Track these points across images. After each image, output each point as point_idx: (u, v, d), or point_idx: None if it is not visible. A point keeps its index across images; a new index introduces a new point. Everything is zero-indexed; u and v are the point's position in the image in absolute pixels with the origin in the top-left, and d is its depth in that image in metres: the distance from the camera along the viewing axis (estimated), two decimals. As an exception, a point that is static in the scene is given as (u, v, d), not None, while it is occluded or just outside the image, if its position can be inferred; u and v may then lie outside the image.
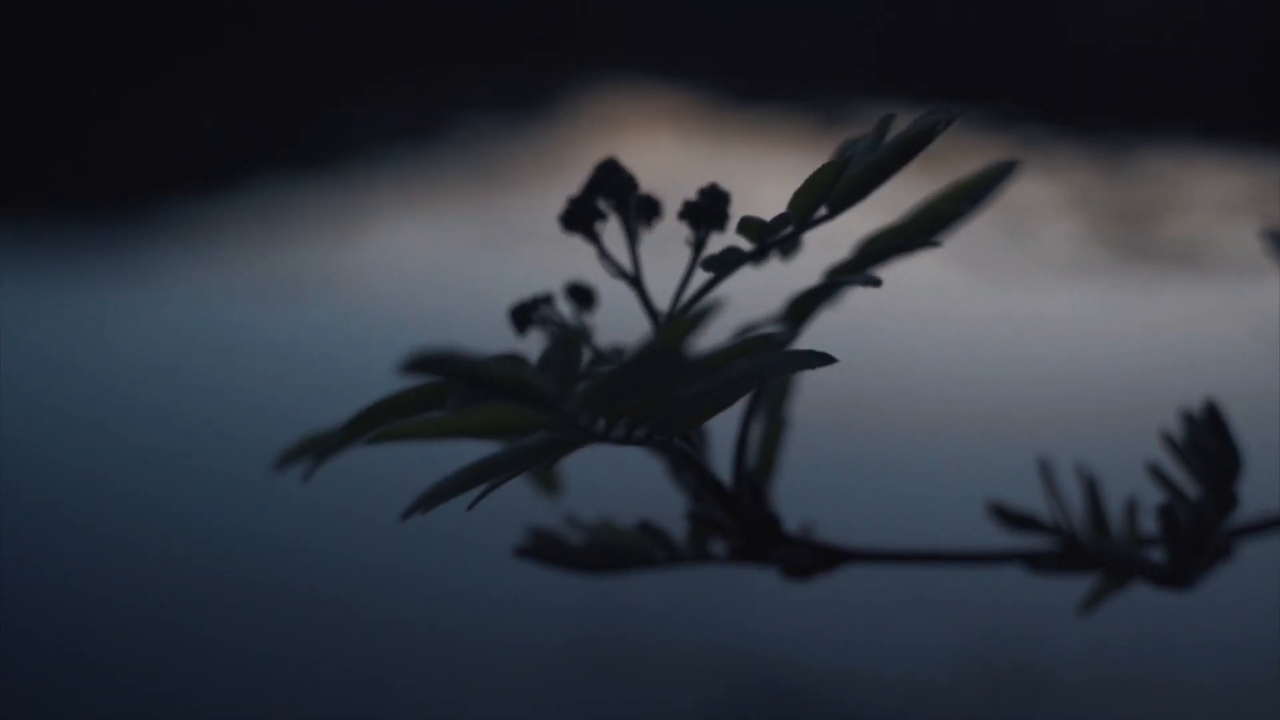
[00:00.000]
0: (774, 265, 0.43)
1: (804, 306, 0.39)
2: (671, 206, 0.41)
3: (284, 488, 0.45)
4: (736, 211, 0.40)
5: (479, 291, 1.60)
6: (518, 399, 0.30)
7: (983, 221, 0.43)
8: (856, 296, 0.44)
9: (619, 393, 0.30)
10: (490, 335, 0.42)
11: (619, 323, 0.41)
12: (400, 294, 1.63)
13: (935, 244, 0.37)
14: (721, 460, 0.40)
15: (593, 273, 0.42)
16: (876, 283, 0.35)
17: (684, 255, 0.39)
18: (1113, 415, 1.13)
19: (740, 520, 0.38)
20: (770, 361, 0.33)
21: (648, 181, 0.38)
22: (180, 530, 1.07)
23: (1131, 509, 0.42)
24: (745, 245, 0.37)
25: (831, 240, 0.47)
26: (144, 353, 1.46)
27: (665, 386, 0.32)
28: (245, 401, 1.30)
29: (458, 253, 1.83)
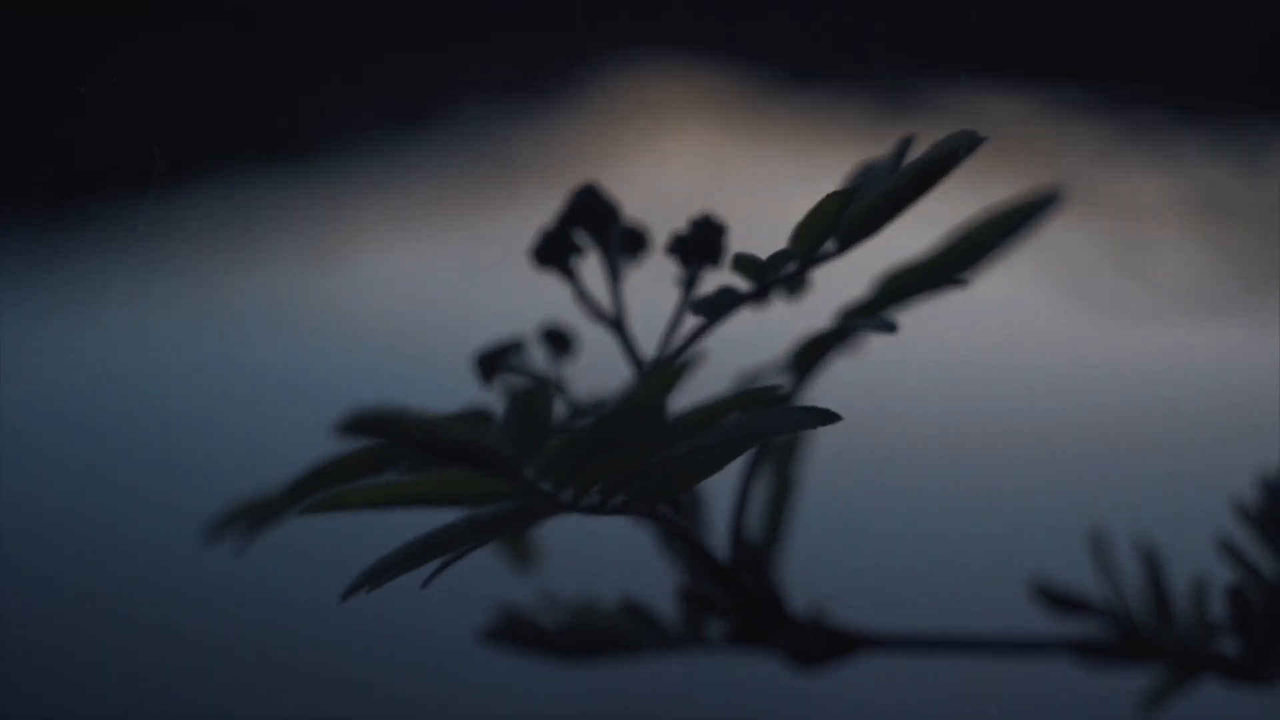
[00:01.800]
0: (784, 305, 0.44)
1: (811, 354, 0.40)
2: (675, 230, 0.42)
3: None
4: (775, 226, 0.41)
5: (475, 317, 1.61)
6: (472, 464, 0.32)
7: (1082, 225, 0.43)
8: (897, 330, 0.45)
9: (589, 456, 0.31)
10: (466, 378, 0.43)
11: (602, 370, 0.42)
12: (381, 320, 1.64)
13: (962, 283, 0.38)
14: (721, 528, 0.41)
15: (574, 312, 0.43)
16: (891, 328, 0.36)
17: (673, 295, 0.41)
18: (1202, 478, 1.12)
19: (739, 598, 0.39)
20: (765, 420, 0.34)
21: (682, 185, 0.40)
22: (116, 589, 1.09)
23: (1198, 590, 0.42)
24: (742, 284, 0.39)
25: (855, 273, 0.49)
26: (82, 382, 1.49)
27: (643, 448, 0.33)
28: (188, 445, 1.31)
29: (450, 270, 1.85)
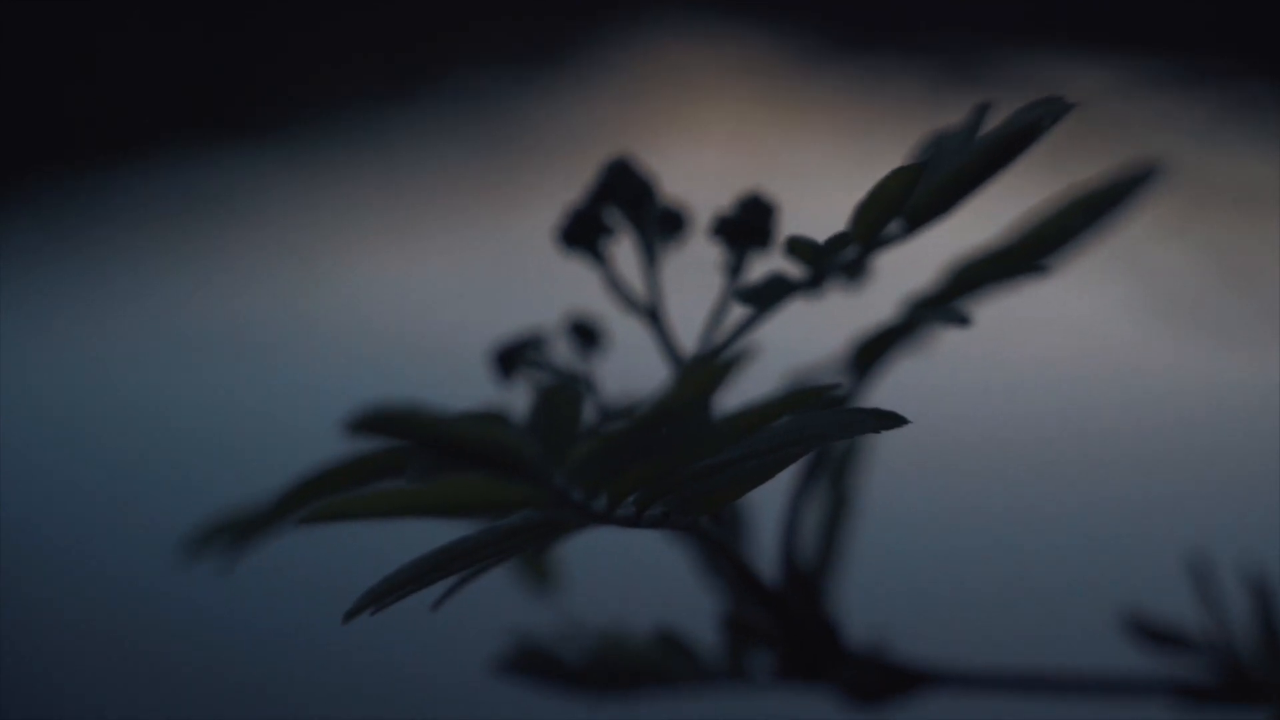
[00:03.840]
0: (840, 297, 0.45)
1: (872, 351, 0.42)
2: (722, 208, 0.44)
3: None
4: (820, 216, 0.43)
5: (473, 319, 1.62)
6: (493, 468, 0.33)
7: (1173, 220, 0.45)
8: (973, 336, 0.47)
9: (624, 461, 0.33)
10: (481, 380, 0.45)
11: (635, 368, 0.44)
12: (368, 320, 1.66)
13: (1043, 271, 0.39)
14: (767, 548, 0.43)
15: (605, 302, 0.45)
16: (964, 321, 0.38)
17: (716, 284, 0.42)
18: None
19: (789, 628, 0.40)
20: (822, 422, 0.36)
21: (714, 166, 0.41)
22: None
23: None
24: (795, 271, 0.40)
25: (917, 263, 0.50)
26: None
27: (685, 453, 0.34)
28: (156, 465, 1.34)
29: (446, 264, 1.86)
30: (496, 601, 0.49)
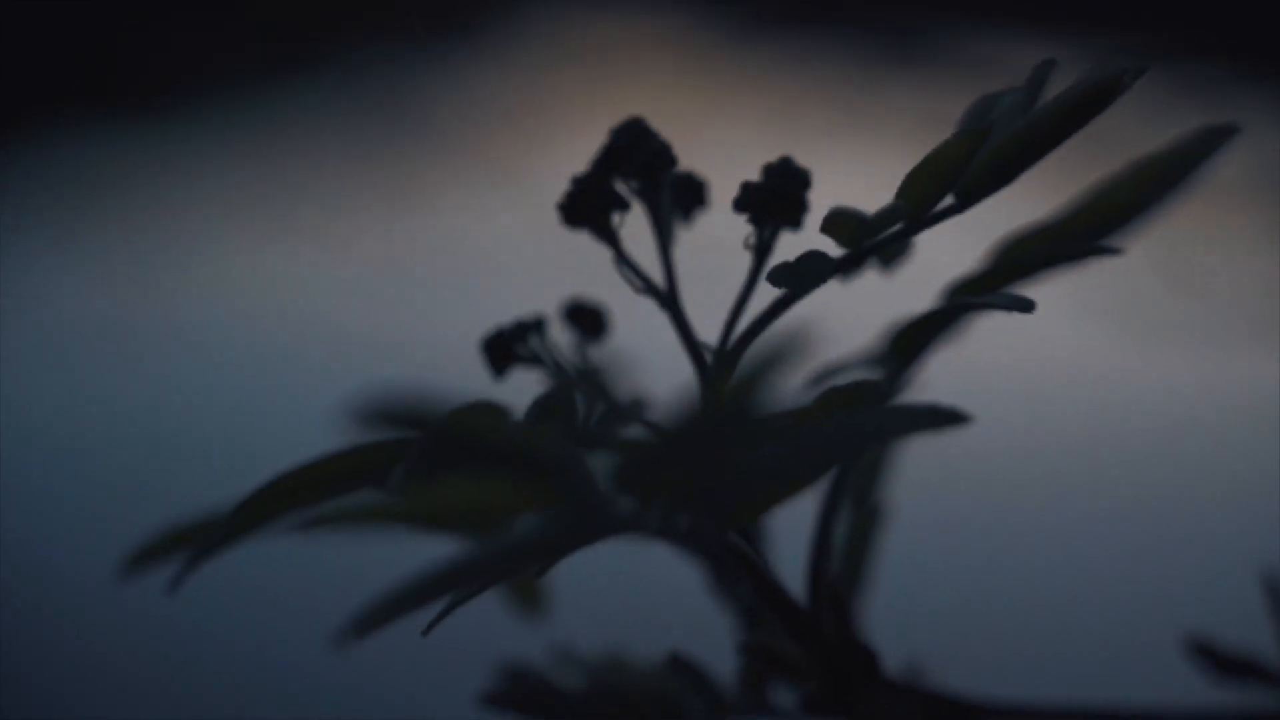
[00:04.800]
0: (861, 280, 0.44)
1: (913, 340, 0.40)
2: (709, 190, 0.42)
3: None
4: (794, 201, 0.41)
5: (367, 312, 1.60)
6: (507, 468, 0.31)
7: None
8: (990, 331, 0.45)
9: (662, 466, 0.31)
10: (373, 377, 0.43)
11: (645, 358, 0.42)
12: (252, 313, 1.63)
13: (1112, 252, 0.38)
14: (790, 565, 0.41)
15: (560, 291, 0.42)
16: (1028, 306, 0.36)
17: (738, 263, 0.40)
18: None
19: (820, 654, 0.38)
20: (880, 421, 0.34)
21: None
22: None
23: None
24: (832, 249, 0.38)
25: (944, 242, 0.49)
26: None
27: (724, 456, 0.33)
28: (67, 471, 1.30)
29: (333, 253, 1.83)
30: (482, 625, 0.46)
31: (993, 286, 0.40)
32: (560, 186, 0.39)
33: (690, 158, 0.40)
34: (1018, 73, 0.39)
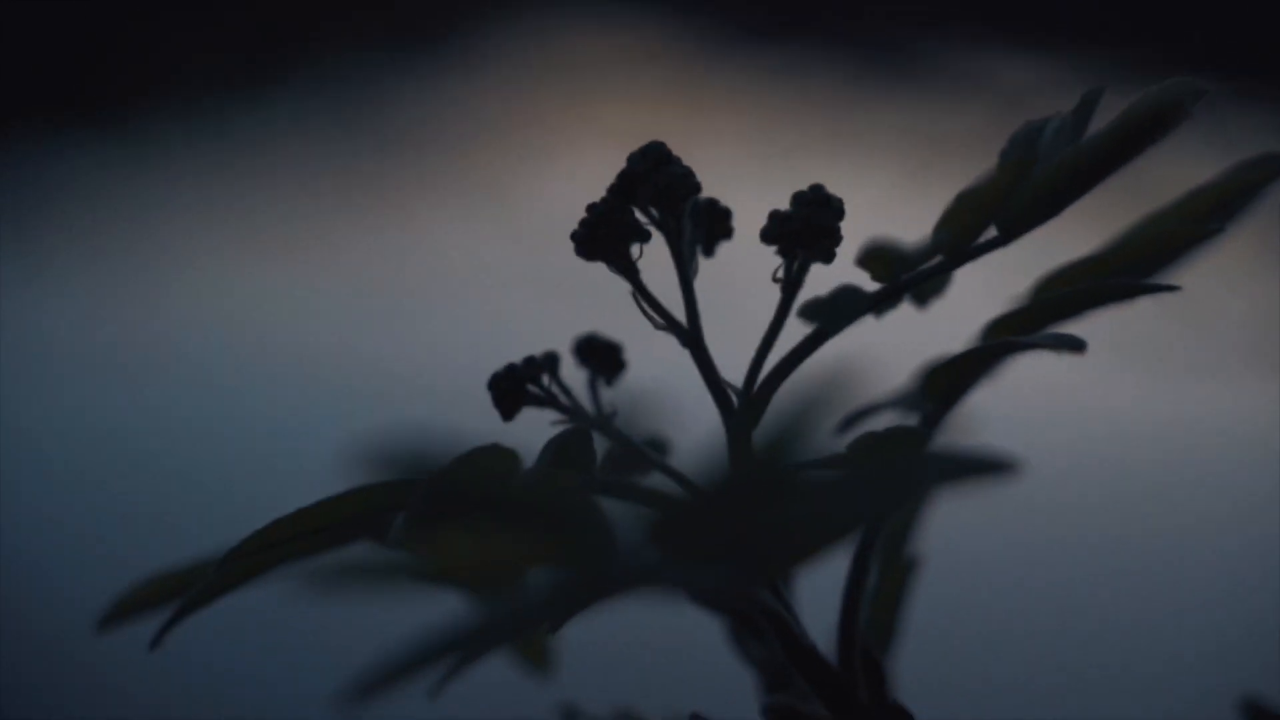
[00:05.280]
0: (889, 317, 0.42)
1: (951, 381, 0.38)
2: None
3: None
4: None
5: (340, 335, 1.58)
6: (535, 521, 0.30)
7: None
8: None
9: (697, 525, 0.29)
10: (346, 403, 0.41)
11: (659, 396, 0.40)
12: (218, 336, 1.61)
13: (1166, 289, 0.36)
14: (815, 623, 0.39)
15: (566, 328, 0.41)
16: (1079, 346, 0.35)
17: (763, 297, 0.39)
18: None
19: (852, 718, 0.37)
20: (922, 470, 0.32)
21: (613, 171, 0.37)
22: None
23: None
24: (866, 283, 0.37)
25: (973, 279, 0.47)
26: None
27: (763, 505, 0.31)
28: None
29: (326, 281, 1.80)
30: (487, 683, 0.45)
31: (1034, 324, 0.38)
32: (548, 204, 0.37)
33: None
34: (1004, 89, 0.37)
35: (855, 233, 0.38)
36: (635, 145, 0.37)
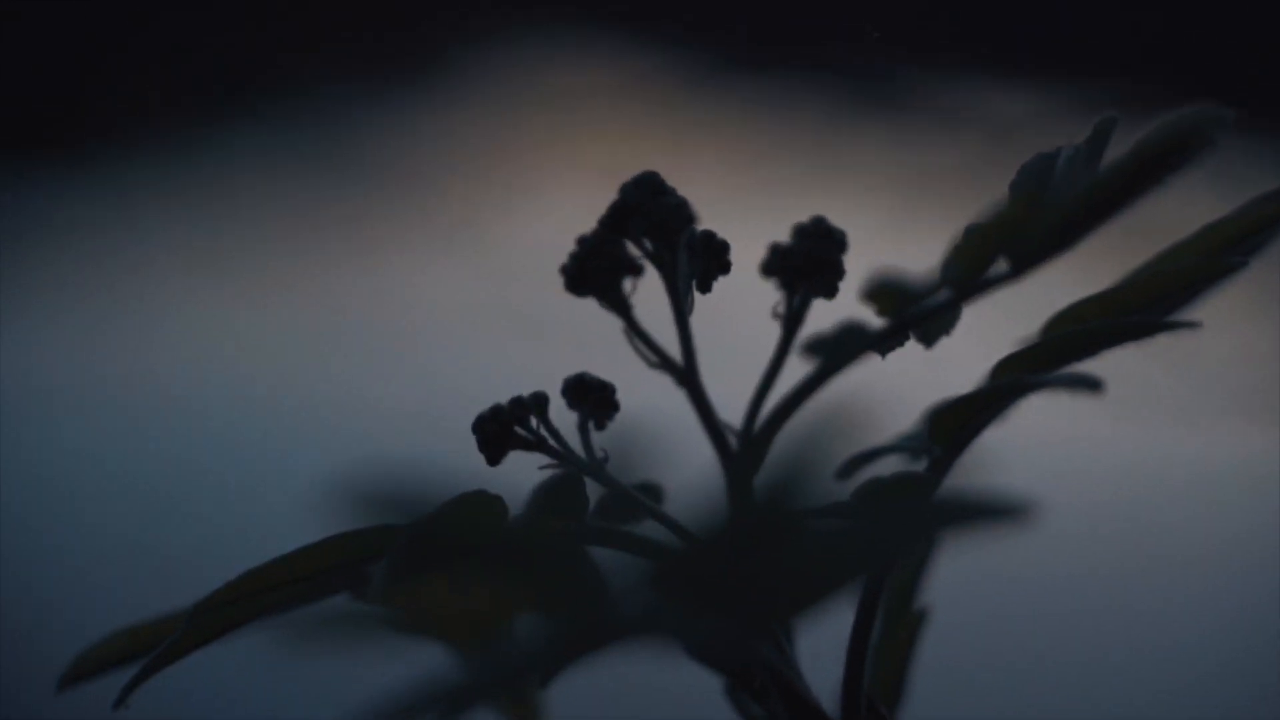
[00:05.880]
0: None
1: (958, 423, 0.37)
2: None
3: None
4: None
5: (316, 370, 1.57)
6: (523, 571, 0.29)
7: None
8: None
9: (696, 576, 0.29)
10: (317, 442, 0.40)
11: (652, 439, 0.39)
12: (196, 371, 1.60)
13: (1186, 326, 0.35)
14: (819, 677, 0.38)
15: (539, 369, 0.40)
16: (1095, 385, 0.34)
17: (762, 334, 0.38)
18: None
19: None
20: (929, 517, 0.31)
21: (596, 204, 0.37)
22: None
23: None
24: (871, 320, 0.36)
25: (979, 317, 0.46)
26: None
27: (760, 563, 0.30)
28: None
29: (301, 318, 1.79)
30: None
31: (1046, 363, 0.37)
32: (536, 238, 0.36)
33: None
34: (995, 121, 0.36)
35: (849, 266, 0.37)
36: (622, 178, 0.37)
